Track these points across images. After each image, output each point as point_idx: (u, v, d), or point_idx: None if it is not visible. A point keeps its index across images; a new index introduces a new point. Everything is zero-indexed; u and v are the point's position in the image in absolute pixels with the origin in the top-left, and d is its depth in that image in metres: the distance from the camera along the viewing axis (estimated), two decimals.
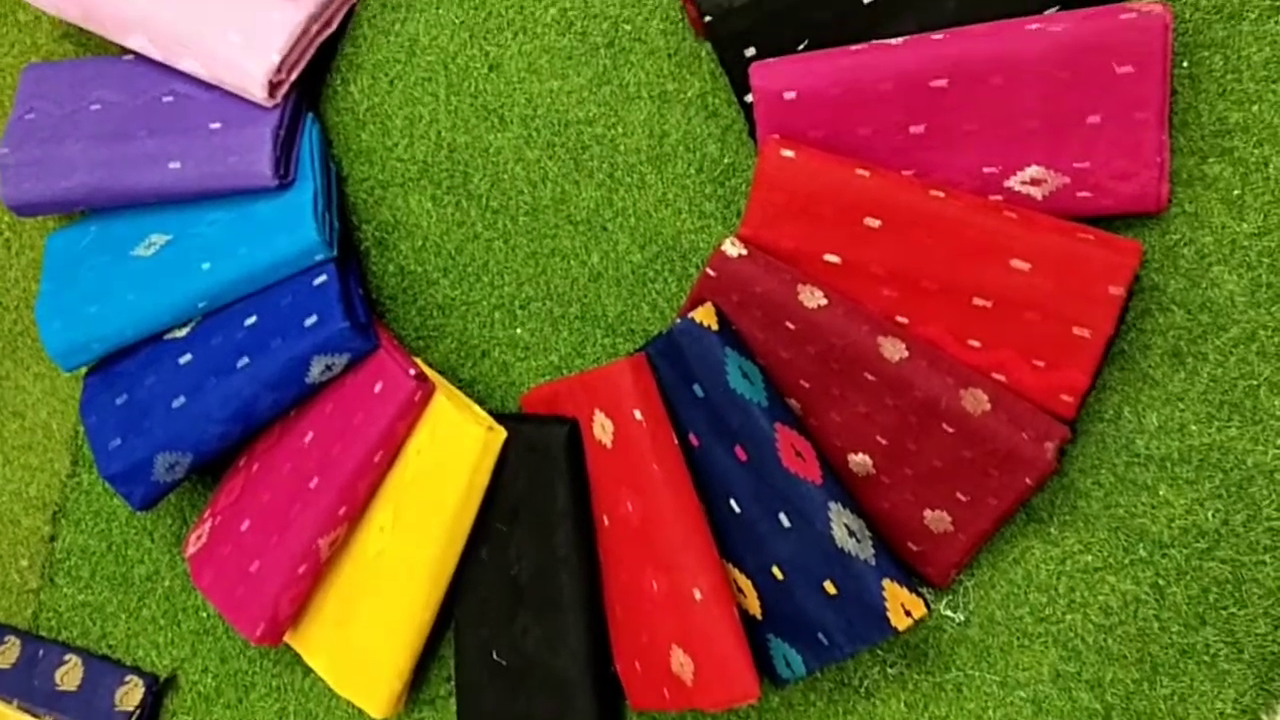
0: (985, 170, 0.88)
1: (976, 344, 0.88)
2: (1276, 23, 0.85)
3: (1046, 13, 0.86)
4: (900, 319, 0.90)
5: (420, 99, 1.05)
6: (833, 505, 0.88)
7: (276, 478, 1.02)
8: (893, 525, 0.93)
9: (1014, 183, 0.88)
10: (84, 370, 1.08)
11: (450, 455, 0.98)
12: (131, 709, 1.11)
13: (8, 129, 1.05)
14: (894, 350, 0.88)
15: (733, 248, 0.90)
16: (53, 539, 1.17)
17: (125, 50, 1.06)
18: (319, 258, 1.00)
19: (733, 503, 0.92)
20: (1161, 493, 0.90)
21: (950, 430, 0.88)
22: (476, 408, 1.00)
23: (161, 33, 1.00)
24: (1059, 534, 0.92)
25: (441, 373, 1.05)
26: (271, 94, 1.00)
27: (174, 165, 1.00)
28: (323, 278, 1.00)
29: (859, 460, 0.93)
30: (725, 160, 0.99)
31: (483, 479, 0.98)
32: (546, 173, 1.03)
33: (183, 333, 1.03)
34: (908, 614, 0.84)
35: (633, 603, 0.94)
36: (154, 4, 0.99)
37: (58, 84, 1.06)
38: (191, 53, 1.00)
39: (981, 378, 0.87)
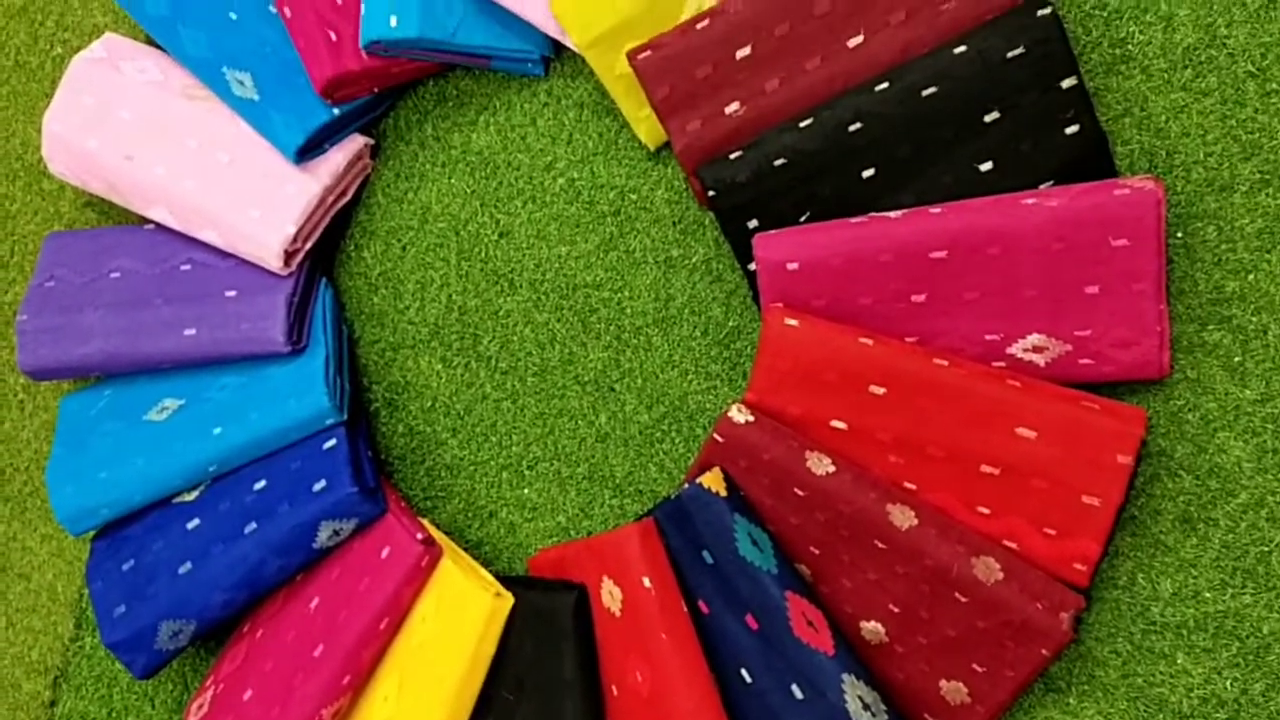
0: (987, 337, 0.89)
1: (986, 511, 0.88)
2: (1267, 195, 0.87)
3: (1041, 187, 0.88)
4: (908, 485, 0.90)
5: (432, 264, 1.07)
6: (846, 677, 0.87)
7: (280, 645, 1.01)
8: (908, 696, 0.91)
9: (1016, 349, 0.89)
10: (91, 533, 1.08)
11: (457, 623, 0.97)
12: None
13: (27, 296, 1.07)
14: (903, 518, 0.87)
15: (739, 414, 0.91)
16: (53, 704, 1.15)
17: (146, 219, 1.09)
18: (329, 422, 1.01)
19: (744, 673, 0.91)
20: (1179, 661, 0.88)
21: (963, 599, 0.87)
22: (484, 572, 0.99)
23: (182, 206, 1.03)
24: (1078, 704, 0.90)
25: (449, 533, 1.05)
26: (287, 263, 1.02)
27: (189, 332, 1.02)
28: (332, 442, 1.00)
29: (871, 628, 0.91)
30: (730, 324, 1.00)
31: (489, 647, 0.96)
32: (555, 335, 1.04)
33: (192, 496, 1.03)
34: None
35: None
36: (175, 178, 1.03)
37: (79, 252, 1.09)
38: (210, 224, 1.03)
39: (993, 546, 0.87)
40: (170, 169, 1.03)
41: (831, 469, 0.89)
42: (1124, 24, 0.90)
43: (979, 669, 0.88)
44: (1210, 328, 0.89)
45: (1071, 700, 0.90)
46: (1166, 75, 0.89)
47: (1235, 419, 0.88)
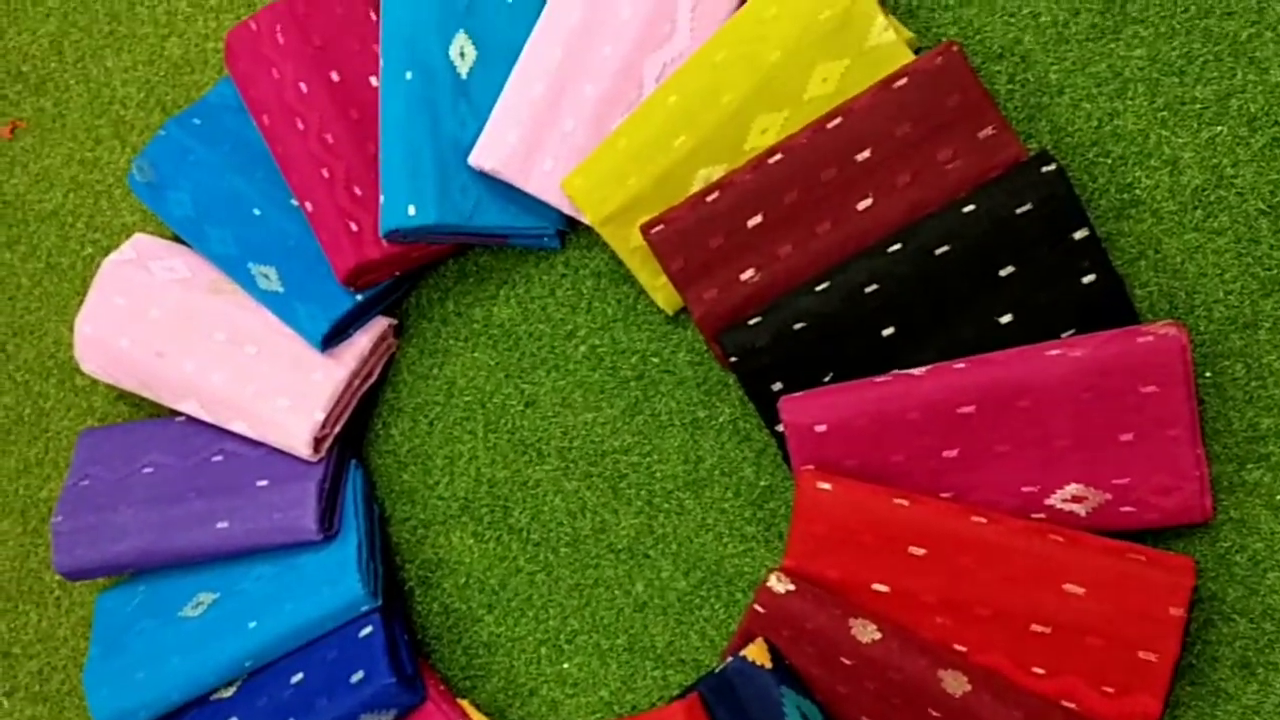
0: (1024, 489, 0.88)
1: (1040, 671, 0.85)
2: None
3: (1063, 336, 0.88)
4: (958, 647, 0.88)
5: (459, 438, 1.08)
6: None
7: None
8: None
9: (1055, 500, 0.88)
10: None
11: None
12: None
13: (62, 496, 1.08)
14: (956, 684, 0.85)
15: (779, 583, 0.89)
16: None
17: (177, 412, 1.11)
18: (364, 609, 1.00)
19: None
20: None
21: None
22: None
23: (212, 399, 1.04)
24: None
25: (490, 715, 1.03)
26: (316, 449, 1.03)
27: (222, 525, 1.02)
28: (368, 629, 0.99)
29: None
30: (762, 483, 1.00)
31: None
32: (585, 503, 1.04)
33: (229, 693, 1.02)
34: None
35: None
36: (205, 372, 1.04)
37: (111, 449, 1.10)
38: (240, 416, 1.04)
39: (1051, 708, 0.84)
40: (200, 364, 1.04)
41: (878, 636, 0.87)
42: (1129, 169, 0.92)
43: None
44: (1249, 466, 0.87)
45: None
46: (1177, 217, 0.90)
47: None
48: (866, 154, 0.91)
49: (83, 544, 1.05)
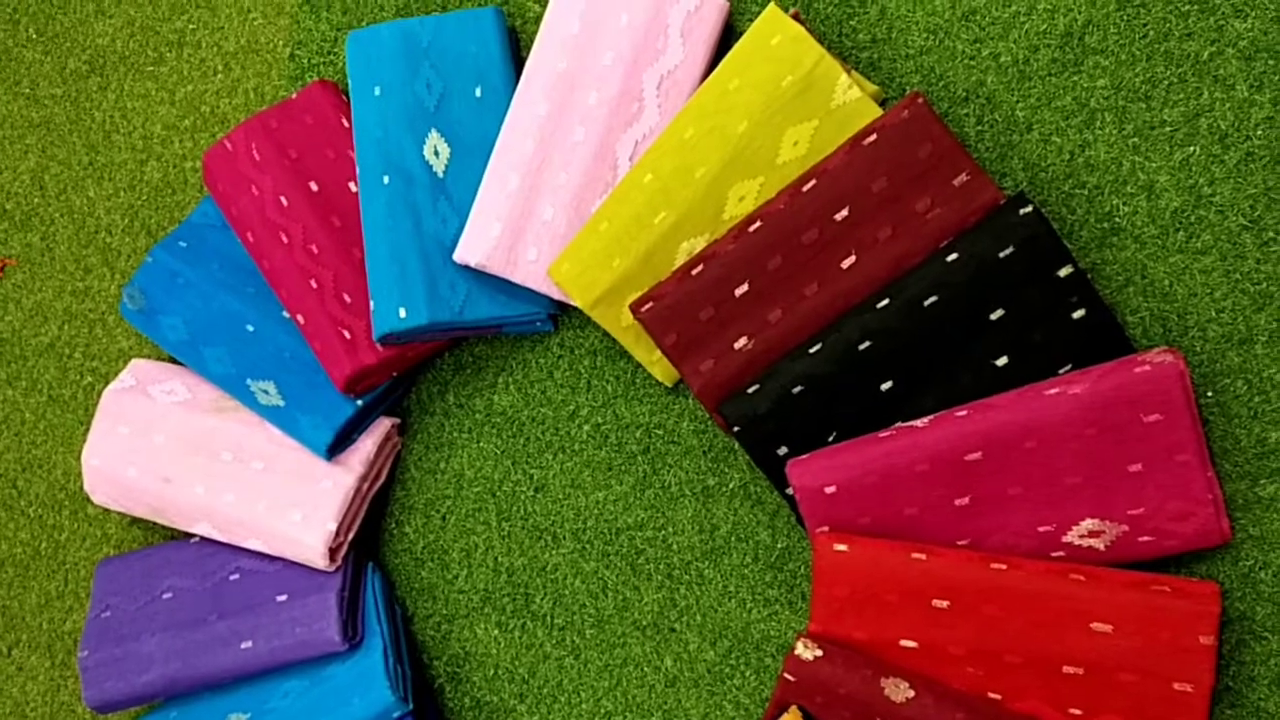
0: (1041, 529, 0.88)
1: (1078, 713, 0.85)
2: None
3: (1060, 372, 0.88)
4: (993, 695, 0.87)
5: (473, 529, 1.08)
6: None
7: None
8: None
9: (1072, 537, 0.88)
10: None
11: None
12: None
13: (85, 630, 1.09)
14: None
15: (806, 650, 0.89)
16: None
17: (191, 534, 1.11)
18: (396, 715, 1.00)
19: None
20: None
21: None
22: None
23: (224, 519, 1.05)
24: None
25: None
26: (332, 559, 1.03)
27: (246, 645, 1.02)
28: None
29: None
30: (779, 545, 1.00)
31: None
32: (606, 582, 1.04)
33: None
34: None
35: None
36: (214, 494, 1.05)
37: (130, 577, 1.10)
38: (253, 533, 1.04)
39: None
40: (209, 486, 1.05)
41: (911, 694, 0.86)
42: (1106, 198, 0.92)
43: None
44: (1262, 482, 0.87)
45: None
46: (1160, 241, 0.91)
47: None
48: (845, 212, 0.92)
49: (110, 676, 1.05)
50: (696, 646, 1.01)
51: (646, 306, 0.97)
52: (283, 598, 1.04)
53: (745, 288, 0.94)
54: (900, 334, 0.90)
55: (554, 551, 1.06)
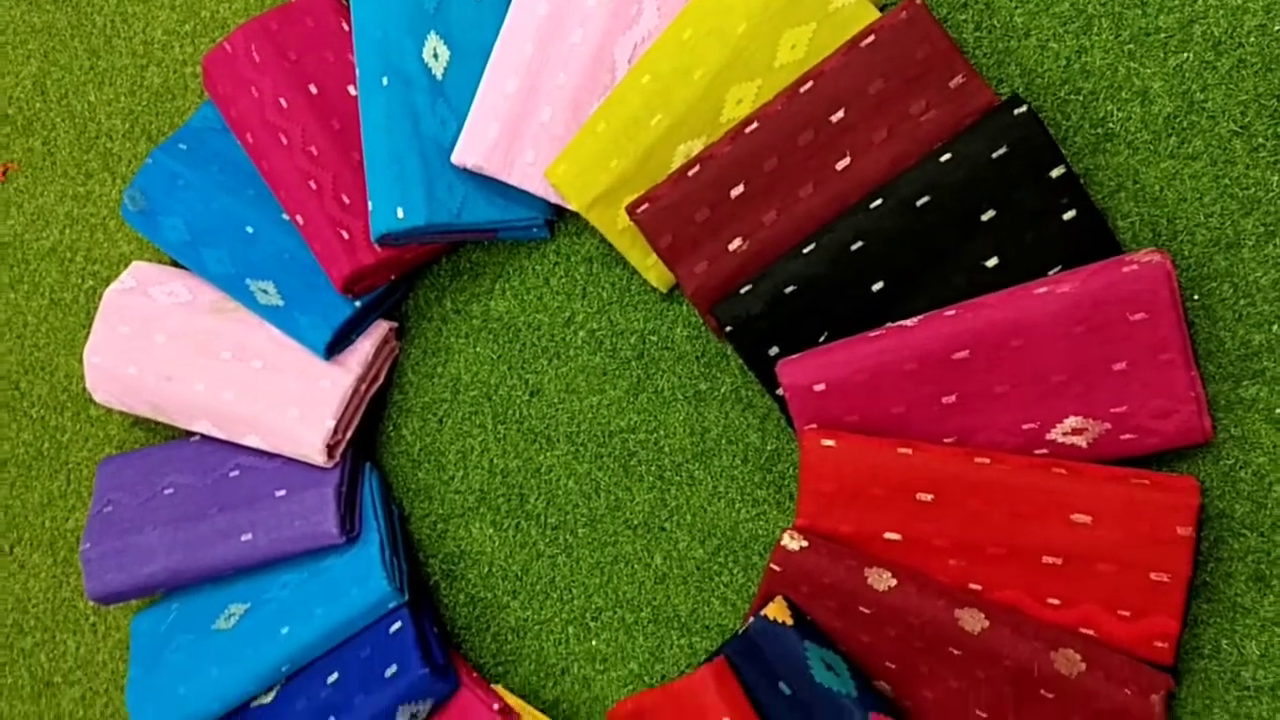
0: (1025, 427, 0.90)
1: (1056, 602, 0.87)
2: (1275, 245, 0.88)
3: (1050, 274, 0.90)
4: (974, 587, 0.89)
5: (469, 432, 1.10)
6: None
7: None
8: None
9: (1056, 434, 0.89)
10: None
11: None
12: None
13: (87, 524, 1.11)
14: (974, 621, 0.87)
15: (793, 541, 0.91)
16: None
17: (191, 433, 1.13)
18: (392, 605, 1.02)
19: None
20: None
21: (1050, 696, 0.85)
22: None
23: (224, 416, 1.06)
24: None
25: (524, 696, 1.05)
26: (330, 456, 1.05)
27: (245, 537, 1.04)
28: (398, 624, 1.01)
29: None
30: (768, 448, 1.01)
31: None
32: (598, 483, 1.06)
33: (269, 698, 1.05)
34: None
35: None
36: (214, 392, 1.06)
37: (131, 475, 1.12)
38: (252, 430, 1.06)
39: (1070, 636, 0.86)
40: (209, 384, 1.06)
41: (894, 583, 0.89)
42: (1101, 104, 0.93)
43: None
44: (1245, 383, 0.89)
45: None
46: (1152, 146, 0.91)
47: None
48: (841, 114, 0.93)
49: (112, 568, 1.07)
50: (686, 545, 1.03)
51: (642, 208, 0.97)
52: (281, 493, 1.05)
53: (741, 189, 0.95)
54: (893, 234, 0.91)
55: (548, 454, 1.07)
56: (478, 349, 1.10)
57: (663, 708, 0.97)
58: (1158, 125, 0.91)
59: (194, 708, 1.04)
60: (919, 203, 0.90)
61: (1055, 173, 0.87)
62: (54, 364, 1.24)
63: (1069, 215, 0.88)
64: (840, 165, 0.94)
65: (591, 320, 1.07)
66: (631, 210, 0.98)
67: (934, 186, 0.89)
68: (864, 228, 0.91)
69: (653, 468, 1.04)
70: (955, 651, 0.88)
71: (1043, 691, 0.85)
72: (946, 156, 0.89)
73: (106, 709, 1.19)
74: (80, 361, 1.21)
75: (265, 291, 1.06)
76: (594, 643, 1.05)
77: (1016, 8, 0.95)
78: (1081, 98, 0.93)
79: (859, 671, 0.91)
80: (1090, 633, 0.86)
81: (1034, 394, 0.89)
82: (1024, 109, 0.87)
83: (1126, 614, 0.85)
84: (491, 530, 1.09)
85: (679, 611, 1.03)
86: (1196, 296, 0.90)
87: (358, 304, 1.06)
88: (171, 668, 1.06)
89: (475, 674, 1.04)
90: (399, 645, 1.00)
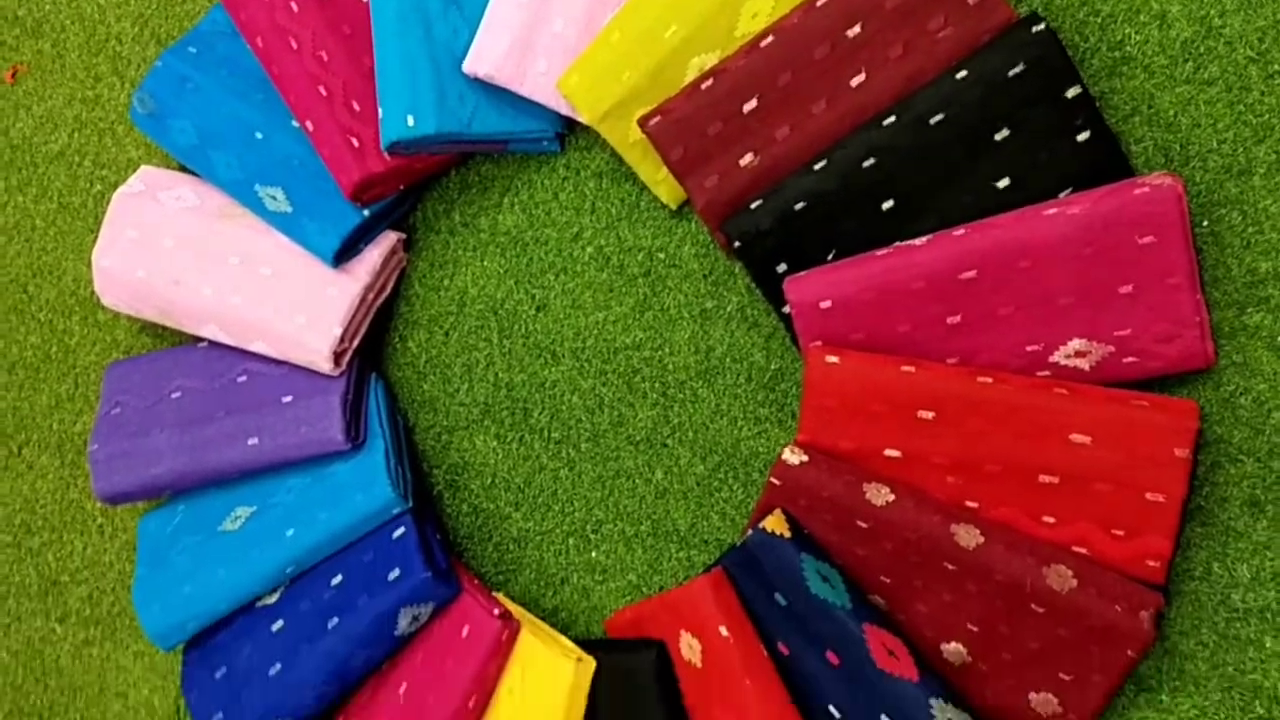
0: (1028, 348, 0.90)
1: (1051, 520, 0.88)
2: None
3: (1061, 195, 0.89)
4: (970, 504, 0.90)
5: (475, 345, 1.11)
6: (934, 701, 0.87)
7: None
8: (998, 713, 0.91)
9: (1059, 357, 0.90)
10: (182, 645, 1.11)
11: (543, 691, 0.98)
12: None
13: (95, 425, 1.12)
14: (969, 537, 0.88)
15: (793, 456, 0.92)
16: None
17: (199, 338, 1.14)
18: (395, 511, 1.03)
19: (832, 709, 0.91)
20: (1268, 645, 0.88)
21: (1040, 610, 0.87)
22: (563, 639, 1.01)
23: (231, 321, 1.07)
24: (1171, 700, 0.90)
25: (524, 605, 1.07)
26: (336, 363, 1.05)
27: (252, 441, 1.05)
28: (401, 530, 1.03)
29: (953, 649, 0.92)
30: (772, 367, 1.02)
31: (577, 713, 0.97)
32: (602, 399, 1.07)
33: (273, 599, 1.06)
34: None
35: None
36: (222, 297, 1.07)
37: (139, 378, 1.13)
38: (260, 336, 1.06)
39: (1063, 553, 0.87)
40: (217, 289, 1.07)
41: (891, 498, 0.90)
42: (1119, 27, 0.92)
43: (1066, 678, 0.88)
44: (1249, 310, 0.89)
45: (1164, 697, 0.90)
46: (1168, 71, 0.91)
47: None
48: (857, 29, 0.92)
49: (120, 469, 1.09)
50: (687, 461, 1.04)
51: (654, 120, 0.97)
52: (288, 398, 1.06)
53: (754, 103, 0.95)
54: (905, 152, 0.91)
55: (553, 368, 1.08)
56: (485, 263, 1.10)
57: (660, 616, 0.99)
58: (1174, 50, 0.91)
59: (200, 607, 1.06)
60: (932, 120, 0.89)
61: (1071, 93, 0.87)
62: (62, 268, 1.24)
63: (1083, 136, 0.88)
64: (855, 82, 0.93)
65: (599, 236, 1.07)
66: (643, 123, 0.97)
67: (948, 104, 0.89)
68: (876, 144, 0.91)
69: (656, 384, 1.05)
70: (949, 566, 0.89)
71: (1034, 606, 0.87)
72: (962, 74, 0.89)
73: (114, 607, 1.21)
74: (88, 265, 1.22)
75: (274, 198, 1.06)
76: (594, 554, 1.07)
77: None
78: (1100, 19, 0.92)
79: (854, 584, 0.93)
80: (1083, 551, 0.88)
81: (1039, 316, 0.89)
82: (1042, 26, 0.86)
83: (1120, 533, 0.86)
84: (495, 442, 1.10)
85: (678, 525, 1.04)
86: (1206, 223, 0.90)
87: (366, 212, 1.06)
88: (178, 568, 1.08)
89: (476, 581, 1.06)
90: (402, 550, 1.02)
